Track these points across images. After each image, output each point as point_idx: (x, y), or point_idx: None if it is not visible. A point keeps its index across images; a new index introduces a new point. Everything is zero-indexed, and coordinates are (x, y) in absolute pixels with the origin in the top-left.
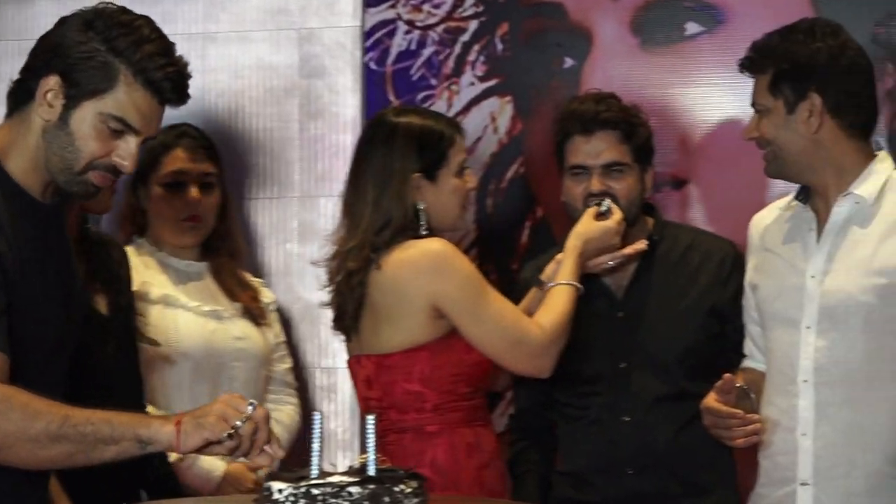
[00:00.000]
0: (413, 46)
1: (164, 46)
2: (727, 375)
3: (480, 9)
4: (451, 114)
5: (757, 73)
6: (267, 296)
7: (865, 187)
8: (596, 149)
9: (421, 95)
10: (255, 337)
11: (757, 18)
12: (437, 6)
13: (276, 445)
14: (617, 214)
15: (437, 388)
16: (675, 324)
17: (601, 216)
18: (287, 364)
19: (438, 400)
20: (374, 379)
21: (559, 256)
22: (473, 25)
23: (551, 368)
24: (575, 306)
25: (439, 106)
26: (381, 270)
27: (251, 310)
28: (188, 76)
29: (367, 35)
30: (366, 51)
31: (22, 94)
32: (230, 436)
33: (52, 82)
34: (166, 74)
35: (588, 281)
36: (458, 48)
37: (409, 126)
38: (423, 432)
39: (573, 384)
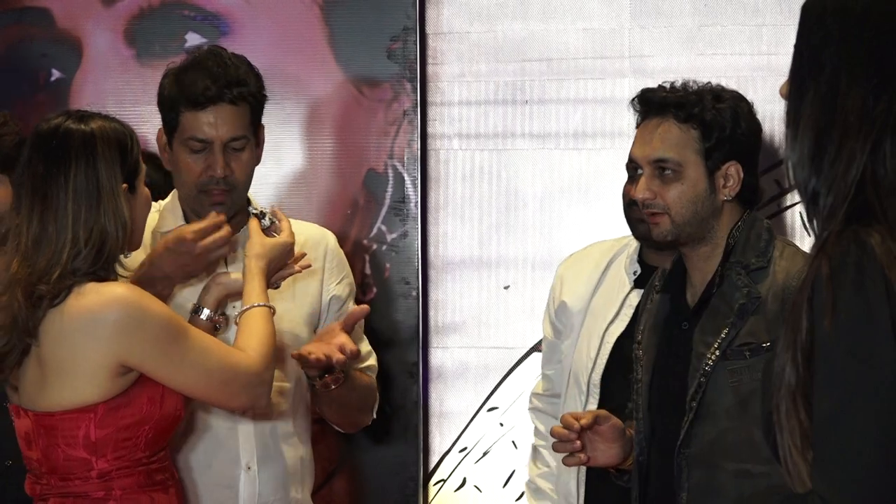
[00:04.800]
0: None
1: None
2: None
3: None
4: None
5: None
6: None
7: None
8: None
9: None
10: None
11: (263, 30)
12: None
13: None
14: (286, 228)
15: (107, 454)
16: None
17: (266, 231)
18: None
19: (107, 467)
20: (32, 437)
21: (219, 280)
22: None
23: (268, 395)
24: (273, 327)
25: None
26: (59, 316)
27: None
28: None
29: None
30: None
31: None
32: None
33: None
34: None
35: None
36: None
37: (105, 130)
38: (89, 497)
39: None
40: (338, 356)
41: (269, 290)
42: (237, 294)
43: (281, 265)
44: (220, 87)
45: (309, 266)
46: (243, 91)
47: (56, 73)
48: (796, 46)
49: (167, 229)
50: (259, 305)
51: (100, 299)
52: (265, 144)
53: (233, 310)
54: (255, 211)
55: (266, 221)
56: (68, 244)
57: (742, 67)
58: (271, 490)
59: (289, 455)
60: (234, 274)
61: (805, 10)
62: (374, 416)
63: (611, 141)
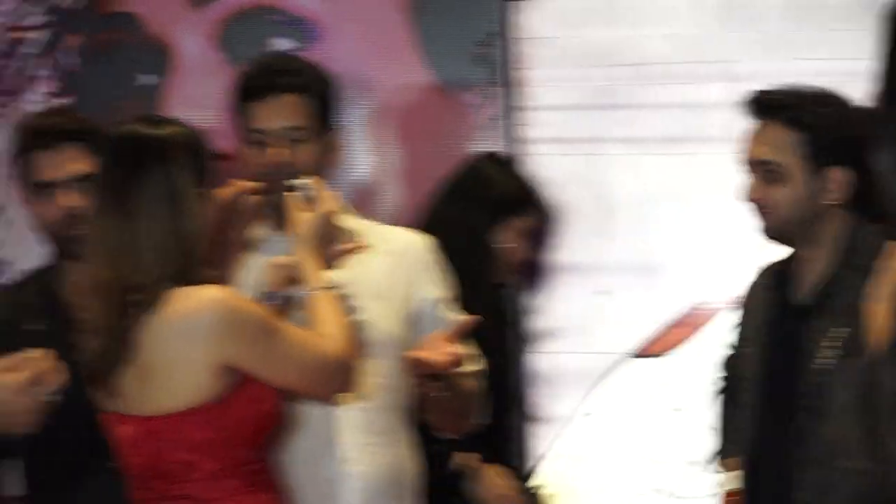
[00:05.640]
0: None
1: None
2: None
3: (47, 18)
4: None
5: None
6: None
7: None
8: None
9: None
10: None
11: (351, 34)
12: None
13: None
14: (324, 197)
15: (212, 455)
16: None
17: (308, 202)
18: None
19: (213, 468)
20: (135, 443)
21: (278, 263)
22: (40, 36)
23: (356, 380)
24: (341, 306)
25: (1, 126)
26: (156, 322)
27: None
28: None
29: None
30: None
31: None
32: None
33: None
34: None
35: None
36: (22, 61)
37: (179, 135)
38: (195, 500)
39: None
40: (445, 360)
41: (356, 288)
42: (297, 275)
43: (329, 236)
44: (273, 76)
45: (365, 247)
46: (299, 80)
47: (145, 78)
48: (880, 53)
49: (256, 237)
50: (320, 288)
51: (196, 302)
52: (353, 150)
53: (297, 292)
54: (293, 185)
55: (303, 192)
56: (151, 249)
57: (831, 72)
58: (376, 485)
59: (391, 452)
60: (289, 256)
61: (885, 18)
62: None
63: (699, 146)
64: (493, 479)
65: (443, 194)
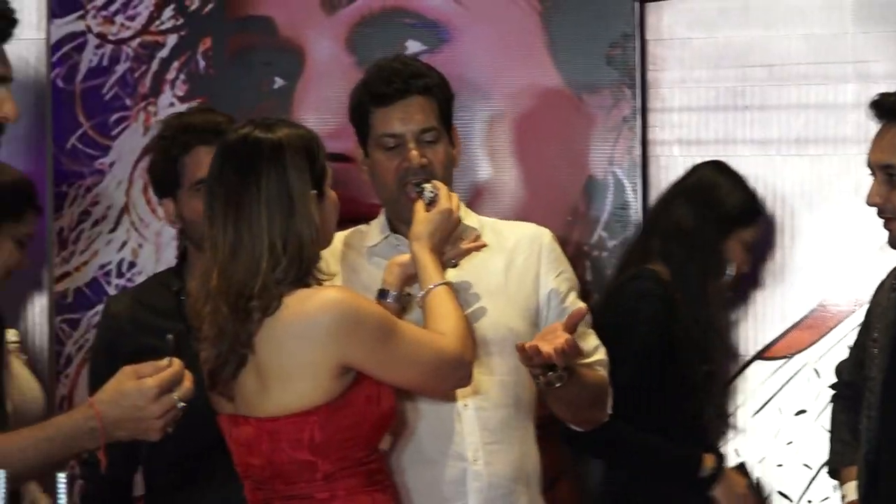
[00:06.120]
0: (105, 62)
1: None
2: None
3: (180, 21)
4: (148, 138)
5: None
6: None
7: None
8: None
9: (114, 117)
10: None
11: (482, 37)
12: (131, 18)
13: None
14: (443, 196)
15: (330, 455)
16: None
17: (430, 206)
18: None
19: (331, 468)
20: (254, 444)
21: (397, 261)
22: (172, 40)
23: (471, 375)
24: (458, 303)
25: (135, 129)
26: (274, 325)
27: None
28: None
29: (53, 49)
30: (52, 66)
31: None
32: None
33: None
34: None
35: None
36: (155, 65)
37: (292, 138)
38: (314, 499)
39: None
40: (557, 349)
41: (473, 287)
42: (416, 274)
43: (447, 233)
44: (403, 80)
45: (484, 245)
46: (427, 82)
47: (279, 81)
48: None
49: (373, 243)
50: (437, 285)
51: (315, 304)
52: (482, 150)
53: (414, 290)
54: (417, 189)
55: (427, 195)
56: (266, 252)
57: None
58: (500, 483)
59: (514, 449)
60: (408, 255)
61: None
62: (611, 411)
63: (833, 147)
64: (735, 477)
65: (673, 201)
